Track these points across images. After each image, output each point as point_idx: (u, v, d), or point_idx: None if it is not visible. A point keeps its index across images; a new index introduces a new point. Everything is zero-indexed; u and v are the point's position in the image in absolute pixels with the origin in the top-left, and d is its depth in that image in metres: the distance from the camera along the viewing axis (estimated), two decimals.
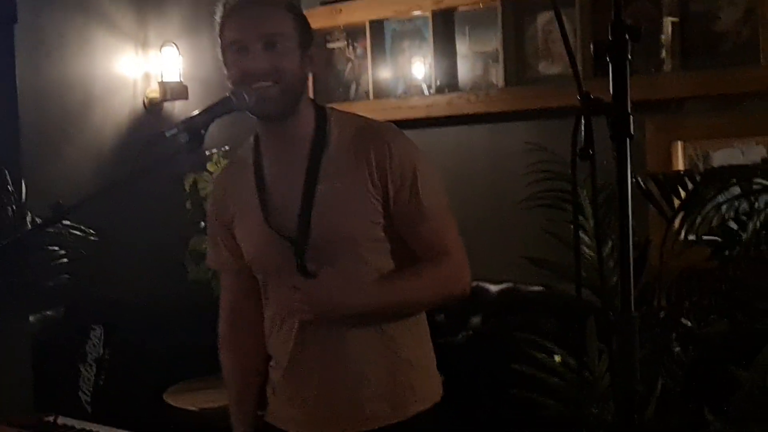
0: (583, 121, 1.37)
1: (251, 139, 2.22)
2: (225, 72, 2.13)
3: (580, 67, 1.49)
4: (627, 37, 1.33)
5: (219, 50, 2.13)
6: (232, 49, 2.08)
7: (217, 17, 2.16)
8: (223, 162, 3.68)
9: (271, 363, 2.26)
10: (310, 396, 2.19)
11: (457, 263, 2.19)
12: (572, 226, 3.16)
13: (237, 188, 2.24)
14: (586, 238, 3.14)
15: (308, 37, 2.17)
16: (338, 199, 2.13)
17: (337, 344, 2.16)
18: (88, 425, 2.38)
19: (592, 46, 1.40)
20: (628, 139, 1.36)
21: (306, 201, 2.11)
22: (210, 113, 1.92)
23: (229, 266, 2.29)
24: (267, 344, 2.26)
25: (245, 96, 2.02)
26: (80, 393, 3.61)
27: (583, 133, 1.37)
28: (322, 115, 2.16)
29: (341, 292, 2.13)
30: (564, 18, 1.61)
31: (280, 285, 2.15)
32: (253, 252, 2.20)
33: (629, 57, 1.36)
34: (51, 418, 2.36)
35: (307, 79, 2.19)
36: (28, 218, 3.44)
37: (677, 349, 2.98)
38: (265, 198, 2.15)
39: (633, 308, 1.31)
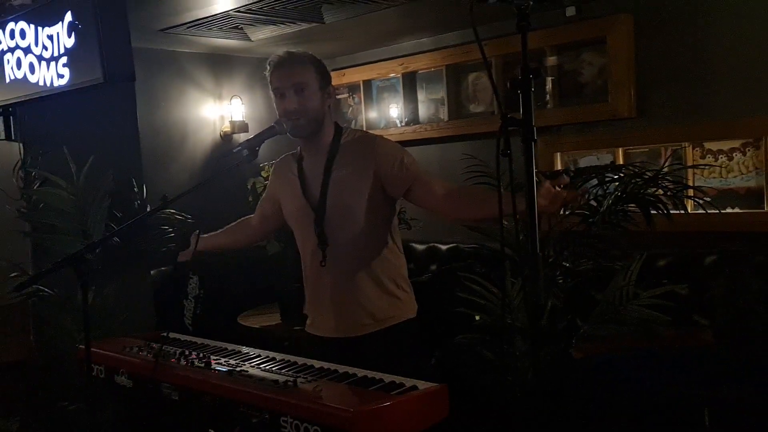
0: (504, 130, 1.55)
1: (298, 147, 2.55)
2: (275, 108, 2.41)
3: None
4: (530, 75, 1.52)
5: (271, 95, 2.40)
6: (276, 94, 2.37)
7: (267, 73, 2.41)
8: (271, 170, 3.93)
9: (306, 288, 2.56)
10: (322, 314, 2.47)
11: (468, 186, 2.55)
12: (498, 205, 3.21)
13: (286, 171, 2.57)
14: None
15: (327, 80, 2.41)
16: (344, 182, 2.39)
17: (343, 280, 2.41)
18: (189, 338, 2.59)
19: (508, 83, 1.58)
20: (533, 143, 1.56)
21: (324, 183, 2.40)
22: (260, 136, 2.22)
23: (263, 207, 2.74)
24: (302, 272, 2.54)
25: (284, 125, 2.30)
26: (184, 319, 3.51)
27: (503, 139, 1.55)
28: (339, 130, 2.46)
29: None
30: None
31: (306, 237, 2.46)
32: (291, 211, 2.52)
33: (532, 89, 1.54)
34: (165, 333, 2.51)
35: (328, 108, 2.42)
36: (148, 208, 3.81)
37: (560, 281, 3.21)
38: (303, 180, 2.47)
39: (538, 249, 1.58)
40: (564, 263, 3.23)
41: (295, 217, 2.48)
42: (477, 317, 3.19)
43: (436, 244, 4.45)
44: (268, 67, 2.40)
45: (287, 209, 2.53)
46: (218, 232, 2.88)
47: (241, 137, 4.83)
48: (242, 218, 2.90)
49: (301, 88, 2.32)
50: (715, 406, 2.60)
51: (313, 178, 2.43)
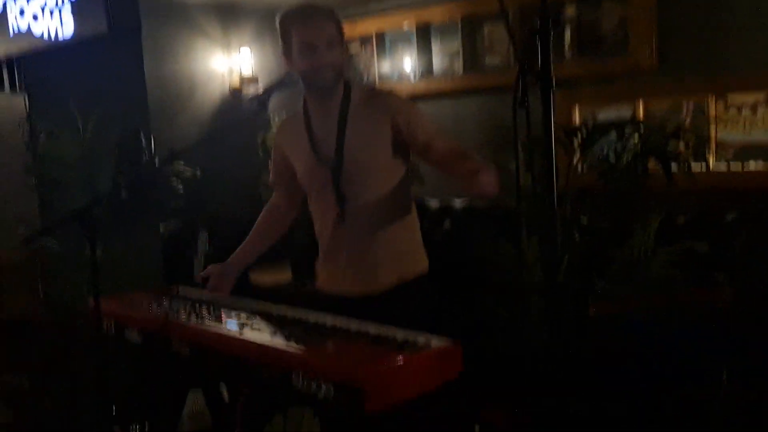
0: (521, 79, 1.55)
1: (300, 102, 2.48)
2: (284, 61, 2.35)
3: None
4: (550, 22, 1.51)
5: (282, 47, 2.35)
6: (303, 48, 2.30)
7: (280, 24, 2.35)
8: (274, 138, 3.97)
9: (320, 245, 2.55)
10: (339, 271, 2.47)
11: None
12: (514, 160, 3.31)
13: (293, 133, 2.50)
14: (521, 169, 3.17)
15: (344, 36, 2.42)
16: (361, 137, 2.37)
17: (360, 237, 2.43)
18: (199, 293, 2.60)
19: (524, 35, 1.56)
20: (551, 92, 1.54)
21: (339, 140, 2.38)
22: (270, 90, 2.26)
23: (280, 181, 2.64)
24: (315, 231, 2.55)
25: (293, 78, 2.29)
26: (194, 275, 3.57)
27: (521, 89, 1.55)
28: (348, 85, 2.43)
29: None
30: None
31: (322, 196, 2.45)
32: (304, 174, 2.49)
33: (552, 36, 1.52)
34: (175, 288, 2.63)
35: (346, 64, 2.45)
36: (155, 161, 3.91)
37: (577, 238, 3.21)
38: (313, 139, 2.42)
39: (555, 205, 1.58)
40: (581, 220, 3.23)
41: (309, 177, 2.47)
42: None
43: (449, 201, 4.39)
44: (284, 18, 2.36)
45: (300, 171, 2.51)
46: (251, 240, 2.70)
47: (251, 91, 4.74)
48: (265, 211, 2.75)
49: (331, 42, 2.32)
50: (733, 366, 2.60)
51: (326, 136, 2.41)
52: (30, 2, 3.53)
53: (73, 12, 3.37)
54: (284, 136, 2.60)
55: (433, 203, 4.46)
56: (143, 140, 3.84)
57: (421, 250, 2.54)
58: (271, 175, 2.69)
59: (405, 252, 2.47)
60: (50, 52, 3.62)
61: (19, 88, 3.93)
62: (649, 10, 3.88)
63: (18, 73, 3.88)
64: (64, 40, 3.49)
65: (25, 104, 3.85)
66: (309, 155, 2.44)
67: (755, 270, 3.13)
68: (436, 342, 1.84)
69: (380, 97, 2.48)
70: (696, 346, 2.70)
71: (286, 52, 2.36)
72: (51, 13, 3.44)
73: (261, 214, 2.74)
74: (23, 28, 3.68)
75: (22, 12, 3.56)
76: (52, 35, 3.54)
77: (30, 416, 3.40)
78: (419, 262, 2.51)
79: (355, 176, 2.39)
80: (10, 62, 3.86)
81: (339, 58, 2.36)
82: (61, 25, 3.39)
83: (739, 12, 3.66)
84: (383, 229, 2.42)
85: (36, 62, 3.87)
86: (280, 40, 2.37)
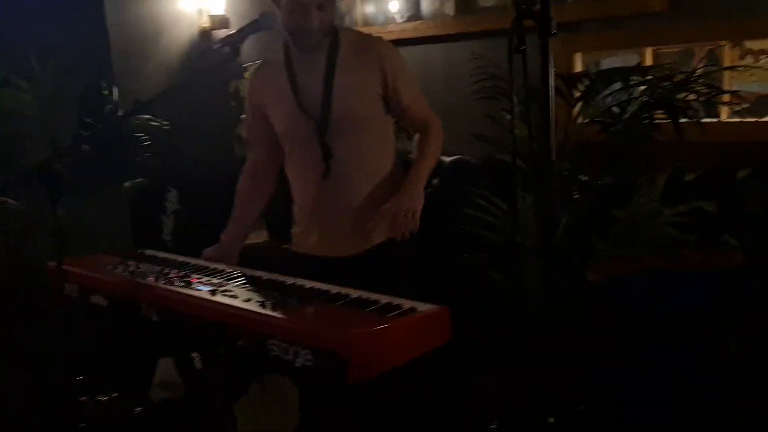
0: (517, 23, 1.54)
1: (280, 47, 2.48)
2: (278, 11, 2.37)
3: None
4: None
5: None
6: (292, 5, 2.33)
7: None
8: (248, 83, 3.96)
9: (295, 207, 2.61)
10: (324, 230, 2.53)
11: (439, 126, 2.59)
12: (508, 113, 3.19)
13: (271, 81, 2.50)
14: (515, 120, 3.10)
15: None
16: (349, 88, 2.41)
17: (347, 193, 2.48)
18: (169, 255, 2.65)
19: None
20: (549, 38, 1.56)
21: (327, 90, 2.40)
22: (243, 32, 2.20)
23: (257, 136, 2.62)
24: (292, 191, 2.57)
25: (270, 20, 2.25)
26: (163, 235, 3.90)
27: (516, 33, 1.55)
28: (336, 31, 2.46)
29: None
30: None
31: (304, 151, 2.47)
32: (285, 127, 2.49)
33: None
34: (142, 250, 2.66)
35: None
36: (120, 113, 3.93)
37: (577, 196, 3.21)
38: (296, 89, 2.44)
39: (553, 160, 1.58)
40: (581, 177, 3.23)
41: (291, 130, 2.49)
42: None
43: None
44: None
45: (280, 123, 2.52)
46: (239, 212, 2.71)
47: (222, 33, 4.74)
48: (244, 176, 2.71)
49: (323, 5, 2.33)
50: (743, 333, 2.63)
51: (310, 85, 2.43)
52: None
53: None
54: (261, 84, 2.56)
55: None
56: (106, 90, 3.88)
57: None
58: (245, 129, 2.69)
59: None
60: None
61: None
62: None
63: None
64: None
65: None
66: (291, 105, 2.45)
67: None
68: (422, 306, 1.86)
69: (371, 44, 2.48)
70: (703, 312, 2.73)
71: (277, 3, 2.37)
72: None
73: (240, 180, 2.70)
74: None
75: None
76: None
77: None
78: None
79: (343, 128, 2.40)
80: None
81: (330, 18, 2.37)
82: None
83: None
84: (372, 185, 2.46)
85: None
86: None
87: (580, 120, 3.20)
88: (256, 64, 2.63)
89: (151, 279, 2.21)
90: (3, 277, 3.78)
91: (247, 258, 3.29)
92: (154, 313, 2.10)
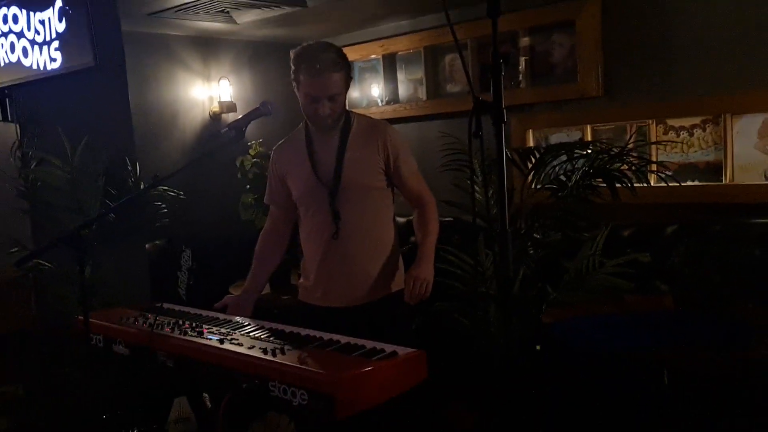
0: (475, 113, 1.54)
1: (301, 126, 2.54)
2: (297, 93, 2.40)
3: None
4: (501, 61, 1.51)
5: (292, 77, 2.39)
6: (308, 98, 2.37)
7: (293, 62, 2.37)
8: (260, 149, 4.15)
9: (304, 261, 2.60)
10: (330, 283, 2.51)
11: (434, 205, 2.60)
12: (469, 181, 3.29)
13: (292, 153, 2.55)
14: (477, 188, 3.31)
15: (350, 79, 2.43)
16: (357, 162, 2.46)
17: (354, 252, 2.49)
18: (183, 308, 2.59)
19: (480, 68, 1.82)
20: (503, 124, 1.52)
21: (339, 162, 2.46)
22: (247, 117, 2.19)
23: (277, 201, 2.65)
24: (303, 248, 2.57)
25: (269, 107, 2.20)
26: (179, 290, 3.45)
27: (475, 121, 1.55)
28: (348, 114, 2.52)
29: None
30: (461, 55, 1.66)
31: (317, 214, 2.49)
32: (302, 192, 2.52)
33: (503, 73, 1.51)
34: (160, 304, 2.54)
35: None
36: (141, 185, 3.86)
37: (531, 251, 3.27)
38: (314, 160, 2.49)
39: (507, 226, 1.53)
40: (535, 234, 3.26)
41: (308, 196, 2.50)
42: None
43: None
44: (297, 65, 2.35)
45: (298, 189, 2.53)
46: (257, 267, 2.67)
47: (230, 117, 4.82)
48: (263, 237, 2.69)
49: (335, 95, 2.36)
50: (673, 367, 2.65)
51: (325, 157, 2.46)
52: (20, 38, 3.54)
53: (61, 45, 3.36)
54: (283, 156, 2.60)
55: (401, 220, 4.44)
56: (129, 165, 3.85)
57: (402, 266, 2.61)
58: (267, 194, 2.67)
59: (393, 265, 2.54)
60: (40, 83, 3.60)
61: (11, 117, 3.91)
62: (595, 41, 4.01)
63: (9, 104, 3.86)
64: (52, 71, 3.49)
65: (17, 133, 3.83)
66: (309, 174, 2.47)
67: (693, 278, 3.18)
68: (402, 350, 1.86)
69: (378, 127, 2.53)
70: (640, 349, 2.71)
71: (296, 85, 2.40)
72: (40, 48, 3.45)
73: (259, 241, 2.70)
74: (13, 60, 3.67)
75: (12, 47, 3.56)
76: (41, 67, 3.53)
77: (25, 424, 3.37)
78: (401, 277, 2.56)
79: (351, 195, 2.44)
80: (2, 93, 3.84)
81: (339, 107, 2.40)
82: (50, 60, 3.41)
83: (678, 45, 3.81)
84: (375, 244, 2.49)
85: (26, 93, 3.84)
86: (291, 72, 2.39)
87: (533, 186, 3.25)
88: (278, 144, 2.65)
89: (167, 330, 2.20)
90: (37, 329, 3.74)
91: (253, 309, 3.36)
92: (170, 360, 2.09)
